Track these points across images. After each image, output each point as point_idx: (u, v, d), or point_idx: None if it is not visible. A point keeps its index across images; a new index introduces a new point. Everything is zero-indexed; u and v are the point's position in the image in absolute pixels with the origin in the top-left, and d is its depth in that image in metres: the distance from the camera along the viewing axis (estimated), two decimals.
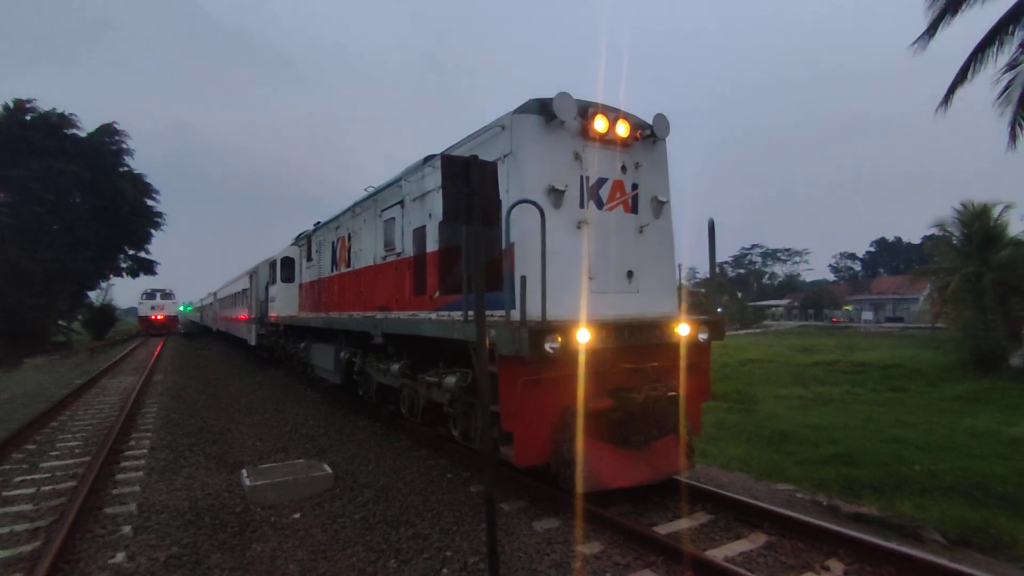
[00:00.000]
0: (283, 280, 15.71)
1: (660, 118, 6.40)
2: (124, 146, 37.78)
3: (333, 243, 11.81)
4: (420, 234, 7.49)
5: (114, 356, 24.77)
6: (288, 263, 15.78)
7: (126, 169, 38.63)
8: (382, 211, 8.87)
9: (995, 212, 24.07)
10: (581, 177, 5.87)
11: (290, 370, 16.31)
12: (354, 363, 10.00)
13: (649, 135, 6.39)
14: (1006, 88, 13.15)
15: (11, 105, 31.80)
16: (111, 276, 44.77)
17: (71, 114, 33.75)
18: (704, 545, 4.78)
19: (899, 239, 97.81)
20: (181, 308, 56.44)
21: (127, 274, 44.21)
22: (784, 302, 79.55)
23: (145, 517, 5.55)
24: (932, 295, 30.23)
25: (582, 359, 5.14)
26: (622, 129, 6.11)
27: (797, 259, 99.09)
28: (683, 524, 5.25)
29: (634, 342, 5.58)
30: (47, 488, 6.56)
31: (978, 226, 23.90)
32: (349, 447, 8.13)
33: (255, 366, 19.35)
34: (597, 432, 5.31)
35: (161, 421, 10.13)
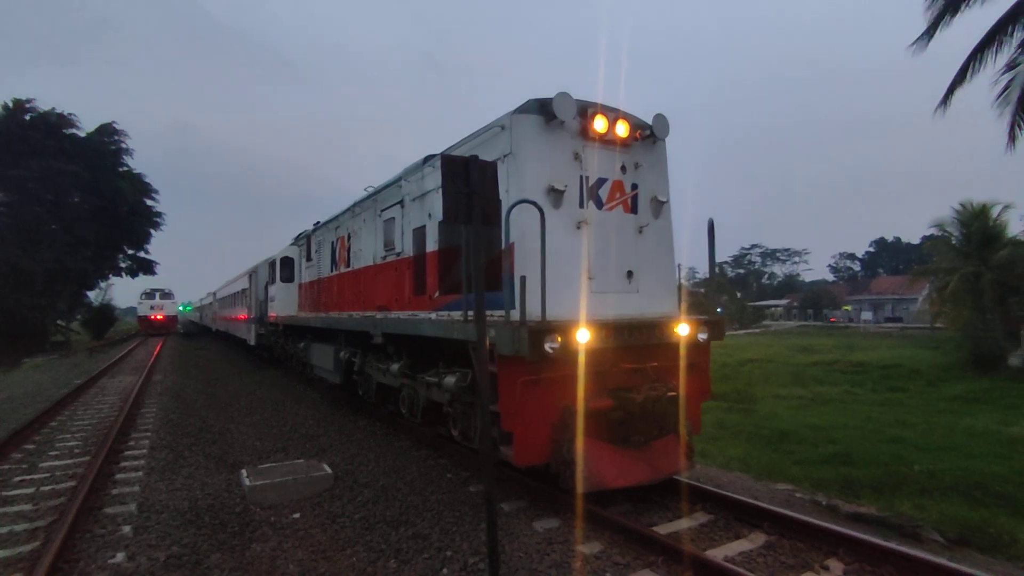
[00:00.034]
0: (283, 280, 15.71)
1: (660, 118, 6.41)
2: (123, 146, 37.86)
3: (333, 243, 11.81)
4: (420, 234, 7.49)
5: (113, 356, 24.74)
6: (288, 263, 15.78)
7: (126, 169, 38.66)
8: (382, 211, 8.87)
9: (994, 212, 24.15)
10: (581, 177, 5.87)
11: (289, 370, 16.31)
12: (354, 363, 10.00)
13: (649, 135, 6.39)
14: (1005, 89, 13.17)
15: (10, 105, 31.80)
16: (110, 276, 44.85)
17: (70, 114, 33.83)
18: (704, 545, 4.78)
19: (898, 239, 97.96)
20: (180, 308, 56.41)
21: (126, 274, 44.28)
22: (783, 302, 79.59)
23: (145, 517, 5.55)
24: (931, 295, 30.27)
25: (582, 359, 5.14)
26: (622, 129, 6.12)
27: (796, 259, 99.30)
28: (683, 524, 5.25)
29: (634, 342, 5.58)
30: (46, 488, 6.56)
31: (977, 226, 23.94)
32: (349, 447, 8.13)
33: (254, 366, 19.35)
34: (597, 432, 5.31)
35: (161, 421, 10.12)
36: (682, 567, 4.32)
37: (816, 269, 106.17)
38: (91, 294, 45.70)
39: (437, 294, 6.96)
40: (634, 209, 6.30)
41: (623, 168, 6.23)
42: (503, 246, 5.40)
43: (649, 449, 5.52)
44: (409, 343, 7.57)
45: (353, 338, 10.03)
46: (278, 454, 7.85)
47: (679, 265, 6.90)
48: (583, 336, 5.07)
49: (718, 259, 6.90)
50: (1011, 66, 13.01)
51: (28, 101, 32.30)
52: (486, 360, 4.23)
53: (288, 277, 15.65)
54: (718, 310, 7.35)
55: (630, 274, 6.16)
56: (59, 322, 40.02)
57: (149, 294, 48.89)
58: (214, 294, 36.49)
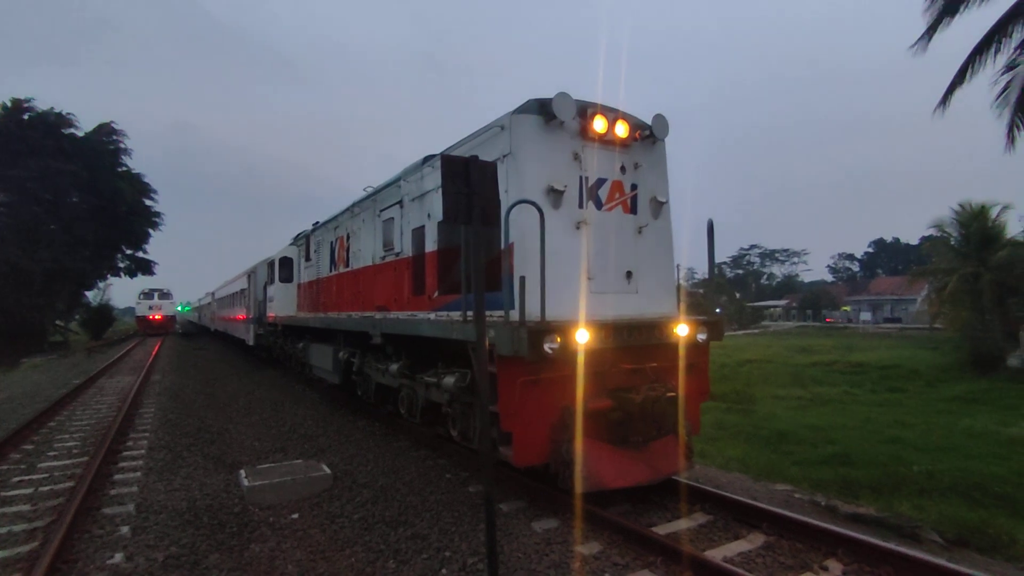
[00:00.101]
0: (281, 280, 15.70)
1: (659, 119, 6.41)
2: (122, 146, 37.83)
3: (332, 243, 11.80)
4: (419, 234, 7.48)
5: (112, 356, 24.70)
6: (286, 263, 15.77)
7: (124, 169, 38.61)
8: (381, 211, 8.87)
9: (993, 213, 24.20)
10: (580, 177, 5.87)
11: (288, 370, 16.29)
12: (353, 363, 9.99)
13: (648, 135, 6.39)
14: (1004, 90, 13.18)
15: (9, 105, 31.76)
16: (109, 276, 44.76)
17: (69, 113, 33.80)
18: (703, 545, 4.78)
19: (897, 240, 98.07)
20: (179, 308, 56.36)
21: (125, 274, 44.21)
22: (782, 303, 79.65)
23: (143, 517, 5.54)
24: (930, 296, 30.30)
25: (581, 359, 5.14)
26: (621, 129, 6.12)
27: (795, 260, 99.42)
28: (682, 524, 5.25)
29: (633, 342, 5.58)
30: (45, 488, 6.54)
31: (976, 227, 23.98)
32: (348, 447, 8.12)
33: (253, 366, 19.33)
34: (596, 432, 5.31)
35: (159, 421, 10.11)
36: (681, 567, 4.32)
37: (815, 270, 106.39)
38: (89, 294, 45.71)
39: (436, 294, 6.95)
40: (633, 209, 6.30)
41: (622, 168, 6.22)
42: (502, 246, 5.40)
43: (648, 449, 5.52)
44: (408, 343, 7.57)
45: (352, 338, 10.02)
46: (277, 454, 7.84)
47: (678, 265, 6.91)
48: (582, 336, 5.07)
49: (717, 259, 6.91)
50: (1010, 67, 13.03)
51: (27, 101, 32.30)
52: (485, 360, 4.23)
53: (287, 277, 15.64)
54: (717, 310, 7.34)
55: (629, 274, 6.15)
56: (57, 322, 39.98)
57: (148, 294, 48.85)
58: (213, 294, 36.46)
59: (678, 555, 4.40)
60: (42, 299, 32.53)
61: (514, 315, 5.02)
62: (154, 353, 24.99)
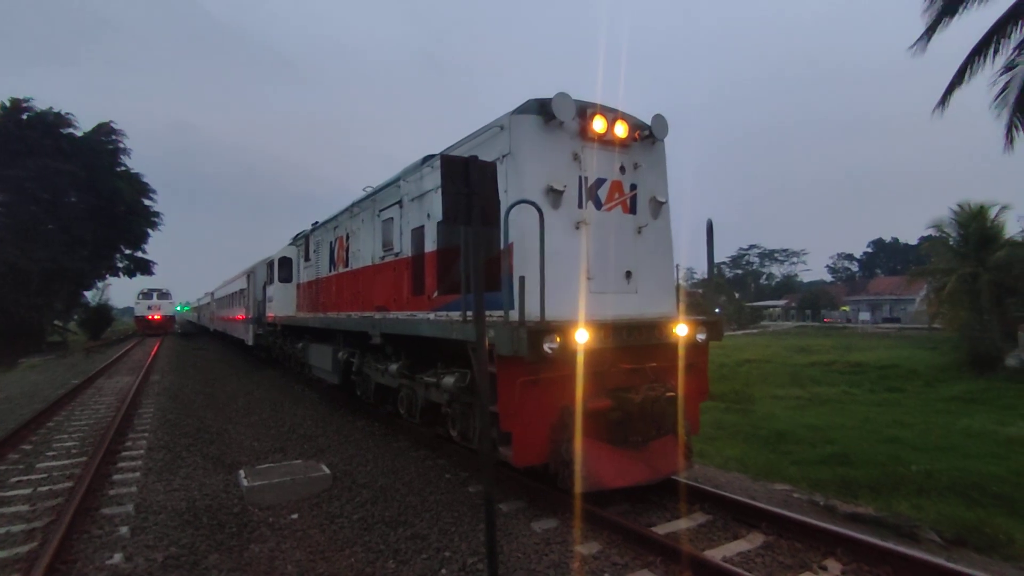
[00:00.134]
0: (281, 280, 15.69)
1: (659, 119, 6.42)
2: (121, 145, 37.73)
3: (331, 243, 11.79)
4: (418, 234, 7.48)
5: (110, 356, 24.67)
6: (286, 263, 15.76)
7: (123, 168, 38.52)
8: (380, 211, 8.87)
9: (992, 213, 24.22)
10: (580, 177, 5.88)
11: (288, 370, 16.28)
12: (352, 363, 9.99)
13: (648, 136, 6.39)
14: (1003, 90, 13.20)
15: (7, 104, 31.71)
16: (108, 276, 44.69)
17: (68, 113, 33.73)
18: (702, 545, 4.79)
19: (896, 240, 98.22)
20: (178, 308, 56.31)
21: (124, 274, 44.12)
22: (781, 303, 79.74)
23: (142, 518, 5.53)
24: (929, 296, 30.36)
25: (580, 359, 5.14)
26: (620, 130, 6.12)
27: (795, 260, 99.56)
28: (681, 524, 5.26)
29: (632, 342, 5.59)
30: (44, 489, 6.53)
31: (975, 227, 24.01)
32: (347, 447, 8.12)
33: (252, 366, 19.31)
34: (596, 432, 5.31)
35: (158, 421, 10.10)
36: (680, 567, 4.33)
37: (814, 270, 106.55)
38: (88, 294, 45.63)
39: (436, 294, 6.96)
40: (633, 209, 6.31)
41: (622, 168, 6.23)
42: (502, 246, 5.41)
43: (647, 449, 5.52)
44: (407, 343, 7.57)
45: (351, 338, 10.02)
46: (276, 455, 7.84)
47: (677, 265, 6.92)
48: (582, 336, 5.07)
49: (716, 259, 6.91)
50: (1008, 67, 13.04)
51: (25, 100, 32.23)
52: (485, 360, 4.23)
53: (286, 277, 15.63)
54: (716, 310, 7.35)
55: (629, 274, 6.16)
56: (56, 322, 39.90)
57: (146, 294, 48.81)
58: (212, 294, 36.42)
59: (677, 555, 4.40)
60: (40, 299, 32.50)
61: (514, 315, 5.03)
62: (153, 353, 24.96)
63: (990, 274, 22.17)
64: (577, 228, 5.80)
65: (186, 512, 5.66)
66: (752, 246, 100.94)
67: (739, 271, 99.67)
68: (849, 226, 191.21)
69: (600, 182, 6.04)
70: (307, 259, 13.91)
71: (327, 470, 6.60)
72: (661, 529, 5.11)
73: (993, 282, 21.96)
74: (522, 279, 4.86)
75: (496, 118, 5.94)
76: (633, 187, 6.31)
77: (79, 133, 34.60)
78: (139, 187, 40.44)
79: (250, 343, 20.79)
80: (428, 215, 7.22)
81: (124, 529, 5.27)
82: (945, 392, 16.59)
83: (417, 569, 4.46)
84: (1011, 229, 24.32)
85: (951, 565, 4.24)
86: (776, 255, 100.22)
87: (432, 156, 7.15)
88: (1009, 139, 13.20)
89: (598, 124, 5.93)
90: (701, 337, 6.19)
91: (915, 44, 13.73)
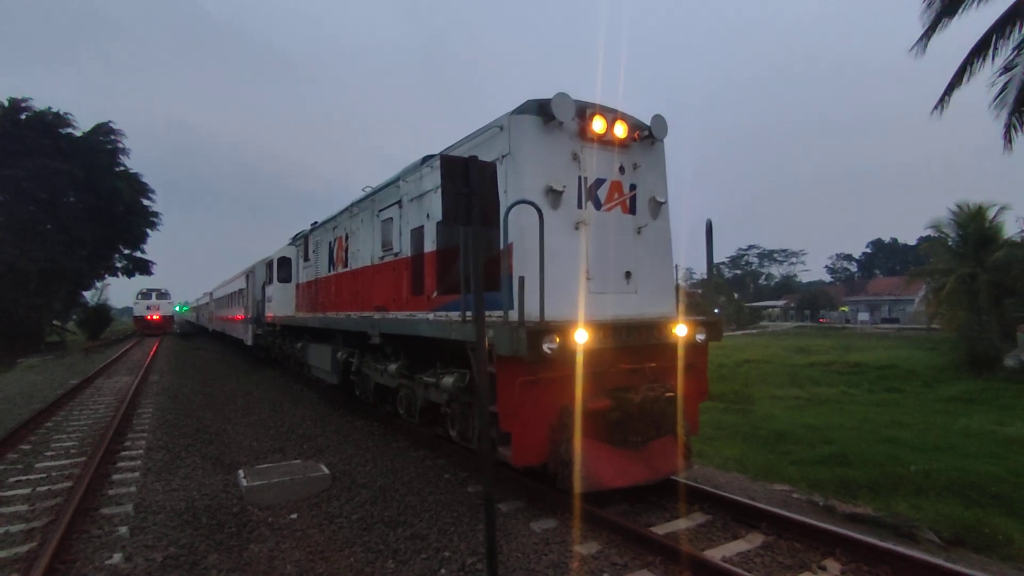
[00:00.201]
0: (280, 280, 15.69)
1: (658, 119, 6.42)
2: (120, 145, 37.66)
3: (330, 243, 11.79)
4: (418, 234, 7.48)
5: (109, 356, 24.64)
6: (285, 263, 15.76)
7: (122, 168, 38.47)
8: (380, 211, 8.87)
9: (990, 214, 24.27)
10: (579, 178, 5.88)
11: (287, 370, 16.27)
12: (351, 363, 9.98)
13: (647, 136, 6.40)
14: (1002, 91, 13.21)
15: (6, 104, 31.67)
16: (106, 276, 44.64)
17: (66, 113, 33.70)
18: (702, 545, 4.79)
19: (895, 240, 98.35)
20: (177, 308, 56.28)
21: (122, 274, 44.05)
22: (781, 303, 79.81)
23: (142, 518, 5.53)
24: (927, 296, 30.42)
25: (580, 359, 5.14)
26: (620, 130, 6.13)
27: (794, 260, 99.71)
28: (681, 524, 5.26)
29: (632, 342, 5.59)
30: (43, 489, 6.53)
31: (973, 227, 24.07)
32: (346, 447, 8.12)
33: (251, 366, 19.30)
34: (595, 432, 5.32)
35: (157, 421, 10.09)
36: (680, 567, 4.33)
37: (813, 270, 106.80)
38: (87, 294, 45.56)
39: (435, 294, 6.96)
40: (632, 210, 6.31)
41: (621, 169, 6.23)
42: (501, 246, 5.41)
43: (647, 449, 5.53)
44: (407, 343, 7.57)
45: (351, 338, 10.02)
46: (275, 455, 7.83)
47: (677, 266, 6.92)
48: (581, 336, 5.07)
49: (716, 260, 6.92)
50: (1007, 68, 13.06)
51: (24, 100, 32.19)
52: (485, 360, 4.23)
53: (285, 277, 15.63)
54: (715, 311, 7.36)
55: (628, 275, 6.16)
56: (55, 322, 39.84)
57: (145, 294, 48.76)
58: (211, 294, 36.40)
59: (677, 555, 4.41)
60: (39, 299, 32.45)
61: (513, 315, 5.03)
62: (152, 353, 24.94)
63: (989, 274, 22.21)
64: (576, 228, 5.80)
65: (185, 512, 5.66)
66: (751, 246, 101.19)
67: (738, 271, 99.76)
68: (848, 226, 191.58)
69: (599, 182, 6.05)
70: (306, 259, 13.91)
71: (326, 470, 6.60)
72: (660, 529, 5.11)
73: (992, 282, 22.00)
74: (521, 279, 4.86)
75: (495, 118, 5.94)
76: (632, 187, 6.31)
77: (78, 133, 34.58)
78: (138, 187, 40.39)
79: (249, 343, 20.78)
80: (427, 215, 7.22)
81: (123, 529, 5.27)
82: (944, 392, 16.62)
83: (416, 569, 4.46)
84: (1010, 229, 24.41)
85: (950, 565, 4.25)
86: (775, 255, 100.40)
87: (431, 156, 7.15)
88: (1008, 139, 13.22)
89: (597, 124, 5.93)
90: (700, 337, 6.19)
91: (915, 45, 13.76)
